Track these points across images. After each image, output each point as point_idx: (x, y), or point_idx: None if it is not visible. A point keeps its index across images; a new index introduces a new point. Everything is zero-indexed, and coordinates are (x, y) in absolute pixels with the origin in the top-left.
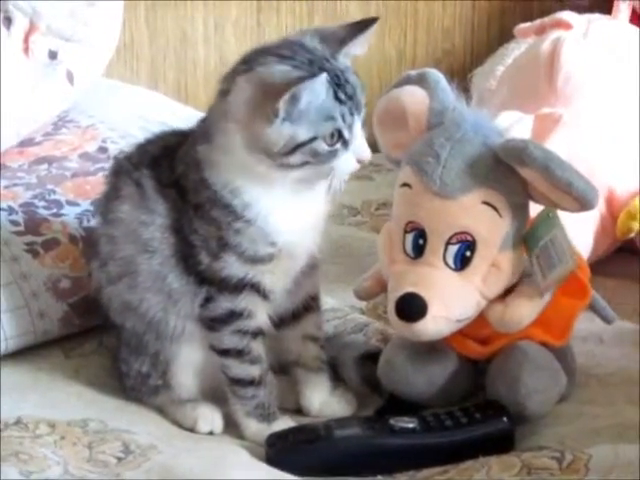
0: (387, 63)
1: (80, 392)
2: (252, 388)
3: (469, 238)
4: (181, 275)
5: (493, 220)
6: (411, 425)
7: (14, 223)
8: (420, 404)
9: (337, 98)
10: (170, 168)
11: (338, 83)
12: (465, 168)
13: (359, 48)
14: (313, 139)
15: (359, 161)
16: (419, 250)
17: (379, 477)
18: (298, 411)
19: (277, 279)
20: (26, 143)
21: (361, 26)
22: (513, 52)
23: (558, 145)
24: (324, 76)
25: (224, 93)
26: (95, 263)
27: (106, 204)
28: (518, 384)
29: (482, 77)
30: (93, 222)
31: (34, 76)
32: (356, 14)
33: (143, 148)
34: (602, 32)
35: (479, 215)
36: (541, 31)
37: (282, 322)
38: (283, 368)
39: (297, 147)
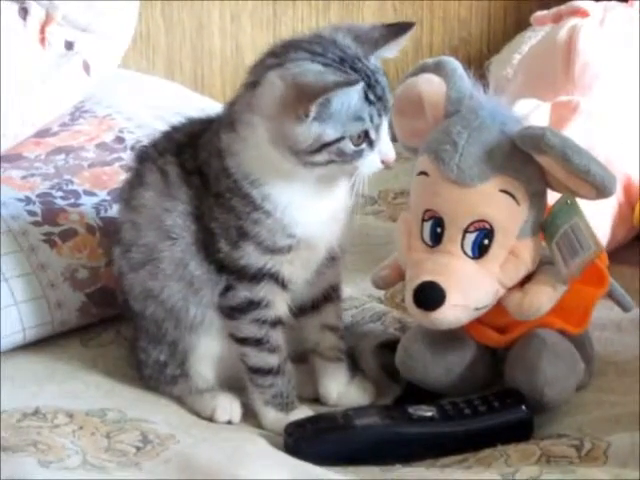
0: (403, 52)
1: (98, 382)
2: (270, 377)
3: (487, 226)
4: (202, 263)
5: (511, 208)
6: (429, 413)
7: (31, 213)
8: (438, 393)
9: (367, 99)
10: (194, 155)
11: (368, 84)
12: (482, 156)
13: (391, 52)
14: (340, 139)
15: (383, 162)
16: (437, 238)
17: (397, 465)
18: (316, 400)
19: (296, 270)
20: (43, 133)
21: (396, 30)
22: (530, 40)
23: (575, 133)
24: (360, 85)
25: (252, 85)
26: (117, 249)
27: (130, 191)
28: (537, 372)
29: (499, 65)
30: (115, 209)
31: (50, 67)
32: (372, 4)
33: (169, 135)
34: (619, 20)
35: (497, 203)
36: (558, 19)
37: (301, 311)
38: (301, 357)
39: (324, 146)
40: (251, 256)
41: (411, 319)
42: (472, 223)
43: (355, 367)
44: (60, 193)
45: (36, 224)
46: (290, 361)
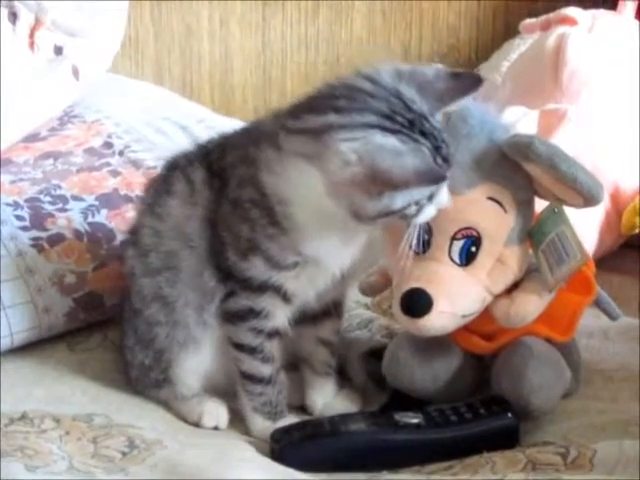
0: (392, 58)
1: (85, 386)
2: (261, 386)
3: (474, 234)
4: (214, 272)
5: (498, 215)
6: (415, 420)
7: (19, 218)
8: (425, 400)
9: (435, 163)
10: (221, 155)
11: (436, 146)
12: (471, 164)
13: (455, 107)
14: (407, 206)
15: (438, 209)
16: (424, 245)
17: (384, 472)
18: (303, 408)
19: (301, 285)
20: (31, 138)
21: (464, 85)
22: (518, 48)
23: (563, 141)
24: (439, 160)
25: (310, 133)
26: (132, 251)
27: (155, 197)
28: (523, 380)
29: (487, 72)
30: (105, 214)
31: (39, 71)
32: (362, 9)
33: (202, 145)
34: (607, 28)
35: (484, 210)
36: (546, 27)
37: (300, 321)
38: (293, 365)
39: (388, 214)
40: (258, 269)
41: (398, 326)
42: (459, 230)
43: (343, 375)
44: (48, 198)
45: (24, 229)
46: (283, 369)
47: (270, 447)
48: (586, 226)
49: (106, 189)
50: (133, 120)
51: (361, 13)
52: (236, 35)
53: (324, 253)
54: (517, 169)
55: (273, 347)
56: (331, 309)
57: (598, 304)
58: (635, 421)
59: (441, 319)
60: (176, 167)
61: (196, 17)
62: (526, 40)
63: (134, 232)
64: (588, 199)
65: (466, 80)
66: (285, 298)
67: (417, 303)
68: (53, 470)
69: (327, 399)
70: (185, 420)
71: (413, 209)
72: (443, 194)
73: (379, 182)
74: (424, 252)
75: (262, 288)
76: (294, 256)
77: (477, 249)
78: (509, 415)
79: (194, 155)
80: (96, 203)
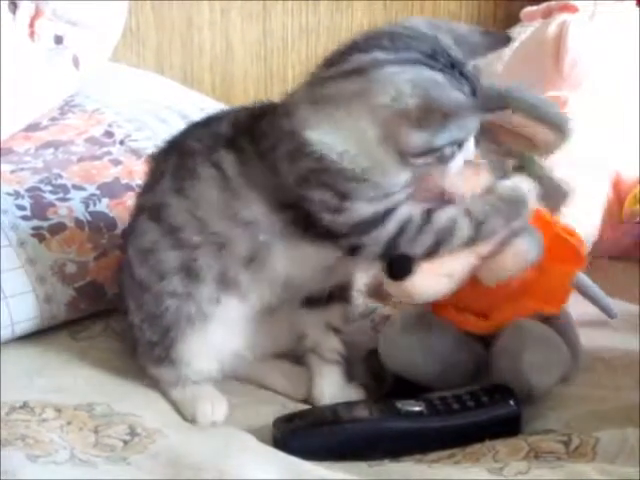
0: None
1: (87, 376)
2: None
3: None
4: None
5: (472, 177)
6: (418, 408)
7: (20, 207)
8: (423, 384)
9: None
10: (252, 140)
11: (473, 89)
12: None
13: (484, 61)
14: (445, 145)
15: (465, 161)
16: None
17: (385, 460)
18: (308, 403)
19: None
20: (32, 128)
21: (495, 41)
22: (519, 36)
23: None
24: (488, 116)
25: (358, 72)
26: (154, 225)
27: (178, 181)
28: (521, 361)
29: (488, 60)
30: (105, 202)
31: (40, 61)
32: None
33: (211, 129)
34: (608, 15)
35: (457, 175)
36: (547, 14)
37: (308, 306)
38: (297, 358)
39: (430, 151)
40: (361, 210)
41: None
42: (439, 196)
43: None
44: (49, 187)
45: (25, 218)
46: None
47: (272, 435)
48: (589, 214)
49: (107, 178)
50: (134, 109)
51: (362, 1)
52: (237, 25)
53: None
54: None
55: None
56: (338, 292)
57: (596, 303)
58: (637, 409)
59: (425, 279)
60: (193, 153)
61: (197, 7)
62: (527, 28)
63: (160, 212)
64: (557, 129)
65: (496, 37)
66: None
67: (400, 265)
68: (54, 459)
69: (334, 389)
70: (181, 415)
71: (450, 150)
72: (470, 144)
73: (430, 111)
74: None
75: (385, 216)
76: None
77: None
78: (511, 403)
79: (212, 140)
80: (97, 192)
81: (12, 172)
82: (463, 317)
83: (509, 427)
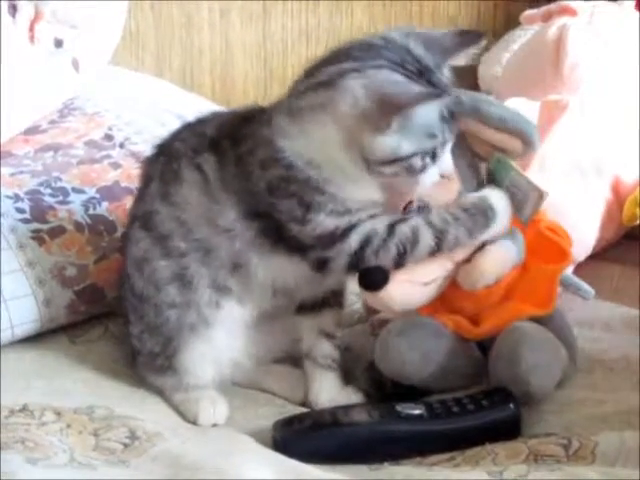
0: None
1: (86, 379)
2: None
3: (422, 205)
4: (265, 253)
5: (442, 184)
6: (417, 411)
7: (20, 211)
8: (422, 388)
9: (442, 115)
10: (232, 145)
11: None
12: None
13: (461, 60)
14: (413, 155)
15: (441, 175)
16: None
17: (385, 464)
18: (306, 406)
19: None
20: (32, 131)
21: (467, 39)
22: (519, 39)
23: (564, 131)
24: (446, 99)
25: (325, 85)
26: (145, 234)
27: (164, 186)
28: (519, 363)
29: (488, 64)
30: (105, 206)
31: (40, 64)
32: (362, 1)
33: (197, 131)
34: (607, 18)
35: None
36: (547, 18)
37: (300, 312)
38: (295, 361)
39: (396, 160)
40: (325, 223)
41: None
42: (407, 205)
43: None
44: (49, 190)
45: (25, 221)
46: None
47: (272, 438)
48: (588, 217)
49: (107, 181)
50: (134, 112)
51: (361, 3)
52: (236, 26)
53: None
54: None
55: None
56: (331, 298)
57: (567, 287)
58: (636, 412)
59: (401, 288)
60: (178, 156)
61: (196, 8)
62: (527, 31)
63: (148, 220)
64: (523, 138)
65: (469, 36)
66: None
67: (373, 277)
68: (54, 463)
69: (330, 394)
70: (183, 417)
71: (419, 162)
72: (447, 159)
73: (386, 108)
74: None
75: (347, 232)
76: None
77: None
78: (511, 406)
79: (197, 143)
80: (97, 195)
81: (12, 175)
82: (457, 321)
83: (509, 430)
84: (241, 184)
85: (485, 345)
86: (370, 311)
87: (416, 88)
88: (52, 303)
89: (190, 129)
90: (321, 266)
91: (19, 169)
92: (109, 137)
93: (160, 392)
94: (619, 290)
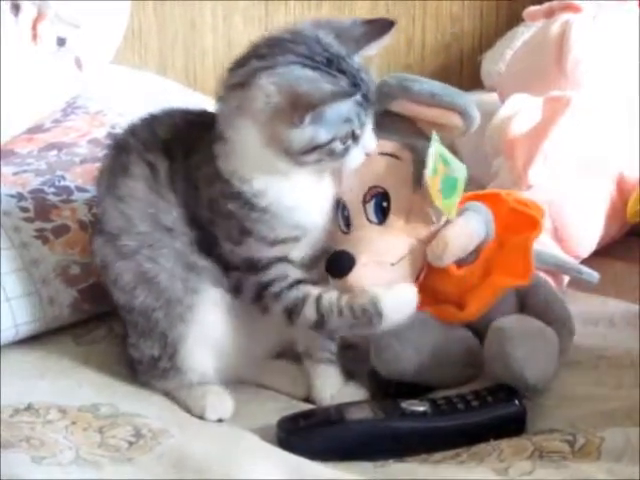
0: (396, 49)
1: (91, 378)
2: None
3: (380, 190)
4: (205, 257)
5: (395, 166)
6: (422, 408)
7: (24, 209)
8: (419, 382)
9: (356, 101)
10: (184, 154)
11: (354, 83)
12: None
13: (373, 51)
14: (331, 141)
15: (366, 153)
16: (347, 222)
17: (390, 461)
18: (309, 401)
19: (302, 249)
20: (35, 130)
21: (377, 29)
22: (522, 35)
23: (567, 128)
24: (357, 96)
25: (239, 86)
26: (100, 239)
27: (112, 179)
28: (508, 360)
29: (491, 61)
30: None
31: (43, 63)
32: (365, 1)
33: (151, 128)
34: (611, 15)
35: (380, 167)
36: (550, 14)
37: None
38: (295, 356)
39: (316, 148)
40: (254, 249)
41: None
42: (367, 192)
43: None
44: (52, 189)
45: (28, 220)
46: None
47: (277, 435)
48: (592, 213)
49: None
50: (136, 110)
51: (364, 4)
52: (239, 28)
53: (309, 217)
54: (392, 117)
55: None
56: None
57: (569, 274)
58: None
59: (369, 271)
60: (130, 150)
61: (199, 10)
62: (530, 28)
63: (98, 220)
64: (461, 113)
65: (379, 25)
66: (289, 261)
67: (340, 263)
68: (59, 461)
69: (333, 389)
70: (190, 412)
71: (339, 146)
72: (368, 137)
73: (298, 106)
74: (349, 228)
75: (267, 265)
76: (290, 230)
77: (388, 203)
78: (516, 402)
79: (149, 141)
80: None
81: (15, 174)
82: (442, 309)
83: (514, 426)
84: (188, 192)
85: (479, 331)
86: None
87: (327, 87)
88: (56, 302)
89: (143, 125)
90: (235, 289)
91: (22, 168)
92: (112, 136)
93: (165, 394)
94: (623, 286)
